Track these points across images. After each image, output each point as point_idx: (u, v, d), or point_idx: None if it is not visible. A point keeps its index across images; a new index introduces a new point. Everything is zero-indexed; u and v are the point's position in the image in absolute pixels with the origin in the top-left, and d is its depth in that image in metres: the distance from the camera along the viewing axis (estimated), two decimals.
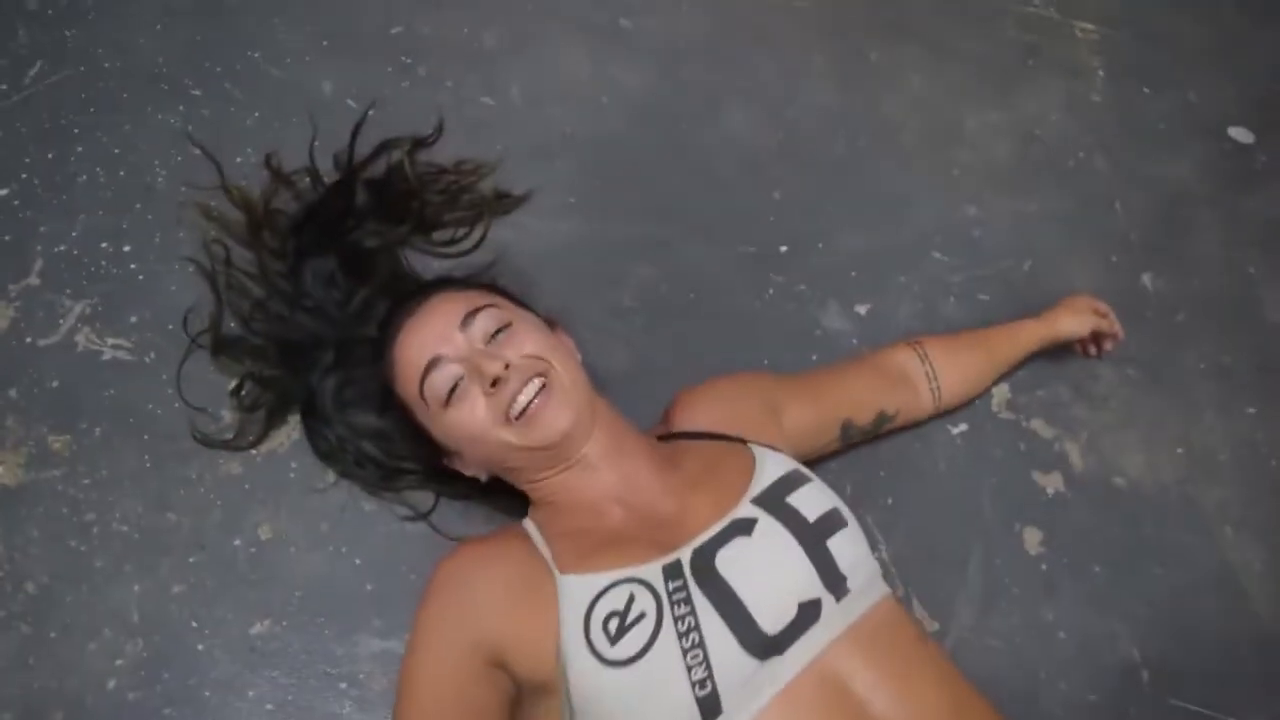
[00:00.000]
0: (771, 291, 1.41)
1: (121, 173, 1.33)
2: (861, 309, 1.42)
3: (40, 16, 1.43)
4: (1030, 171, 1.62)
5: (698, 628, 0.86)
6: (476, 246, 1.33)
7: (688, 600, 0.87)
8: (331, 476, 1.18)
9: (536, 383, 0.97)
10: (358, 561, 1.15)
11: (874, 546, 1.24)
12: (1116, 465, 1.37)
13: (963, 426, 1.35)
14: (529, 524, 1.02)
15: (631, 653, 0.85)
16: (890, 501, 1.28)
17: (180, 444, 1.18)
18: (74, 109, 1.36)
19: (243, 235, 1.27)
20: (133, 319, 1.24)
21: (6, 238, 1.27)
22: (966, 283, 1.48)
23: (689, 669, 0.84)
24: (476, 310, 1.01)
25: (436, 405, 0.99)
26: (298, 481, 1.18)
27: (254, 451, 1.18)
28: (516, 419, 0.96)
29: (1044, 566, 1.28)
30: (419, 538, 1.16)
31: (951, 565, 1.27)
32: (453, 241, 1.33)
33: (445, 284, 1.12)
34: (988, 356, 1.32)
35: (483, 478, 1.08)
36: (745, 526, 0.93)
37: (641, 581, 0.89)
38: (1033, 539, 1.30)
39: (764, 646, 0.86)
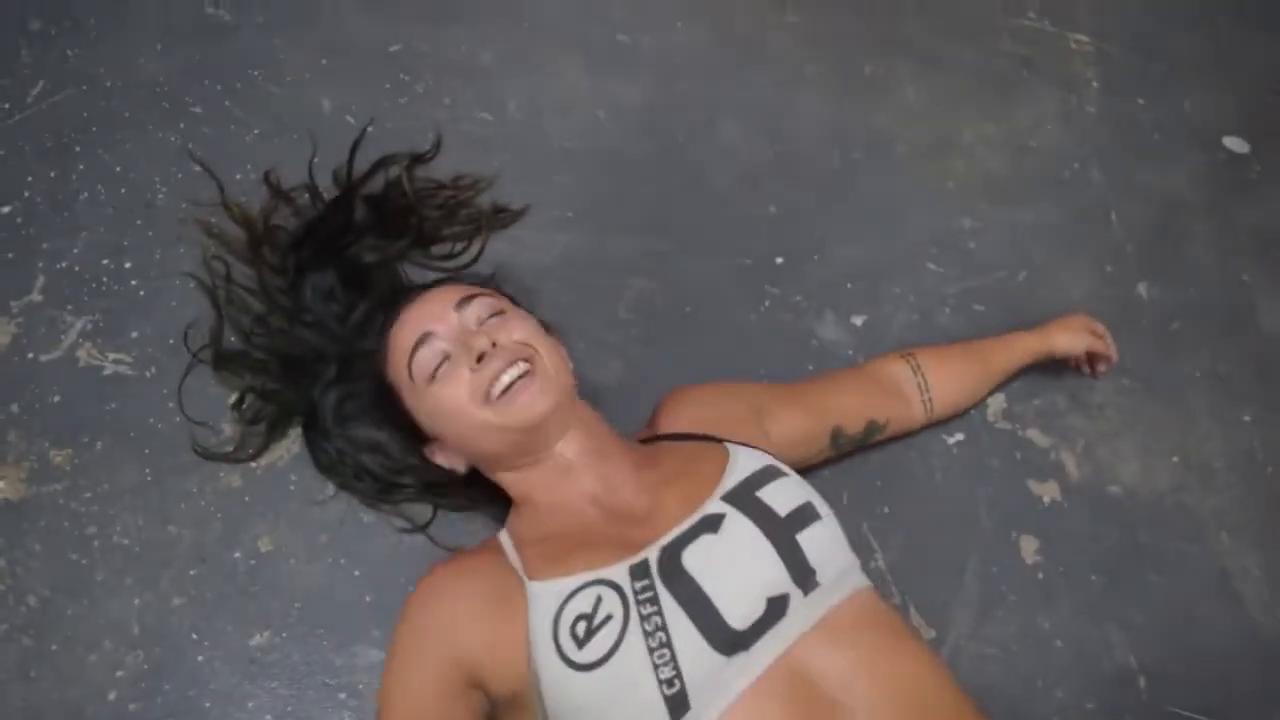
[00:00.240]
0: (767, 303, 1.43)
1: (123, 190, 1.36)
2: (857, 320, 1.44)
3: (43, 36, 1.46)
4: (1025, 182, 1.64)
5: (664, 627, 0.87)
6: (474, 260, 1.35)
7: (654, 600, 0.89)
8: (331, 489, 1.20)
9: (521, 366, 1.00)
10: (357, 573, 1.17)
11: (870, 556, 1.26)
12: (1112, 474, 1.39)
13: (959, 436, 1.37)
14: (503, 535, 1.04)
15: (599, 655, 0.87)
16: (887, 511, 1.30)
17: (180, 458, 1.20)
18: (76, 127, 1.39)
19: (243, 251, 1.29)
20: (134, 334, 1.26)
21: (9, 255, 1.29)
22: (962, 294, 1.50)
23: (656, 668, 0.85)
24: (472, 296, 1.06)
25: (422, 380, 1.03)
26: (297, 494, 1.20)
27: (254, 465, 1.20)
28: (497, 399, 0.99)
29: (1040, 575, 1.30)
30: (417, 550, 1.18)
31: (948, 574, 1.28)
32: (451, 256, 1.35)
33: (446, 279, 1.16)
34: (981, 368, 1.34)
35: (460, 468, 1.10)
36: (713, 523, 0.94)
37: (608, 583, 0.91)
38: (1029, 548, 1.31)
39: (731, 643, 0.87)
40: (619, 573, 0.91)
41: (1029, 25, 1.84)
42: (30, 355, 1.23)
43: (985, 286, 1.52)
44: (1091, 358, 1.42)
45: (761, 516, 0.95)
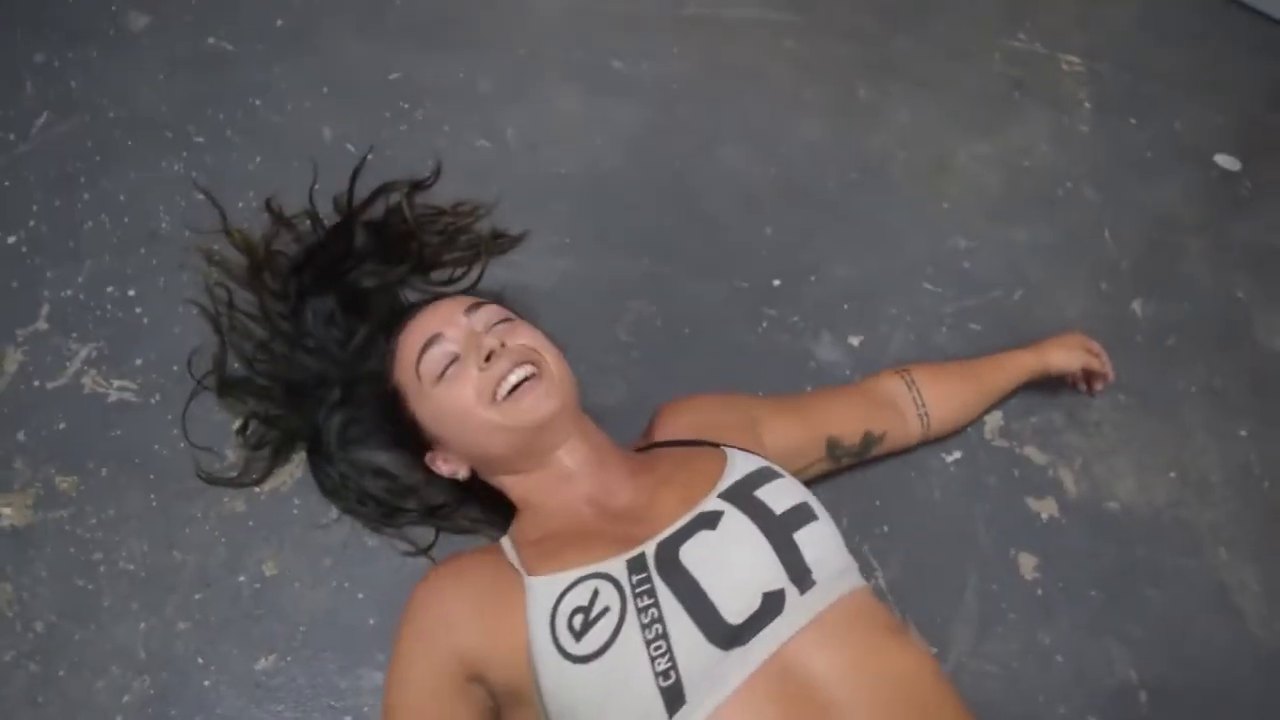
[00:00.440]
0: (765, 325, 1.46)
1: (126, 218, 1.39)
2: (855, 340, 1.47)
3: (46, 68, 1.50)
4: (1020, 202, 1.68)
5: (661, 619, 0.89)
6: (474, 286, 1.37)
7: (651, 593, 0.91)
8: (334, 513, 1.22)
9: (528, 368, 1.03)
10: (361, 596, 1.19)
11: (871, 574, 1.28)
12: (1110, 490, 1.41)
13: (956, 454, 1.39)
14: (504, 540, 1.06)
15: (596, 647, 0.88)
16: (886, 529, 1.32)
17: (185, 483, 1.22)
18: (80, 157, 1.42)
19: (244, 277, 1.32)
20: (138, 361, 1.29)
21: (14, 284, 1.32)
22: (958, 313, 1.53)
23: (652, 660, 0.87)
24: (481, 304, 1.10)
25: (430, 380, 1.05)
26: (301, 518, 1.22)
27: (258, 490, 1.23)
28: (503, 400, 1.02)
29: (1040, 591, 1.32)
30: (420, 573, 1.18)
31: (948, 591, 1.30)
32: (451, 281, 1.38)
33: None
34: (977, 385, 1.37)
35: (462, 474, 1.11)
36: (711, 520, 0.96)
37: (606, 576, 0.93)
38: (1028, 564, 1.33)
39: (727, 637, 0.89)
40: (616, 566, 0.93)
41: (1020, 47, 1.88)
42: (36, 383, 1.26)
43: (981, 306, 1.55)
44: (1088, 375, 1.45)
45: (759, 514, 0.97)
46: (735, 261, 1.51)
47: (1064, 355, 1.40)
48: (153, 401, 1.27)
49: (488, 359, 1.03)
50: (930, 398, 1.30)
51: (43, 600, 1.14)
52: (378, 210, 1.38)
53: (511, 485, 1.10)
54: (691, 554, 0.94)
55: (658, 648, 0.88)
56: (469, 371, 1.03)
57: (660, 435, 1.17)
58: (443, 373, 1.05)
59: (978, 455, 1.40)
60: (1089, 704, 1.25)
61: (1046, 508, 1.38)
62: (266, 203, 1.37)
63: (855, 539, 1.29)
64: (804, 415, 1.23)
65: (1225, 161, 1.79)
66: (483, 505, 1.20)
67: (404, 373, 1.09)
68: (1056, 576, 1.33)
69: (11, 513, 1.18)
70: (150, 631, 1.14)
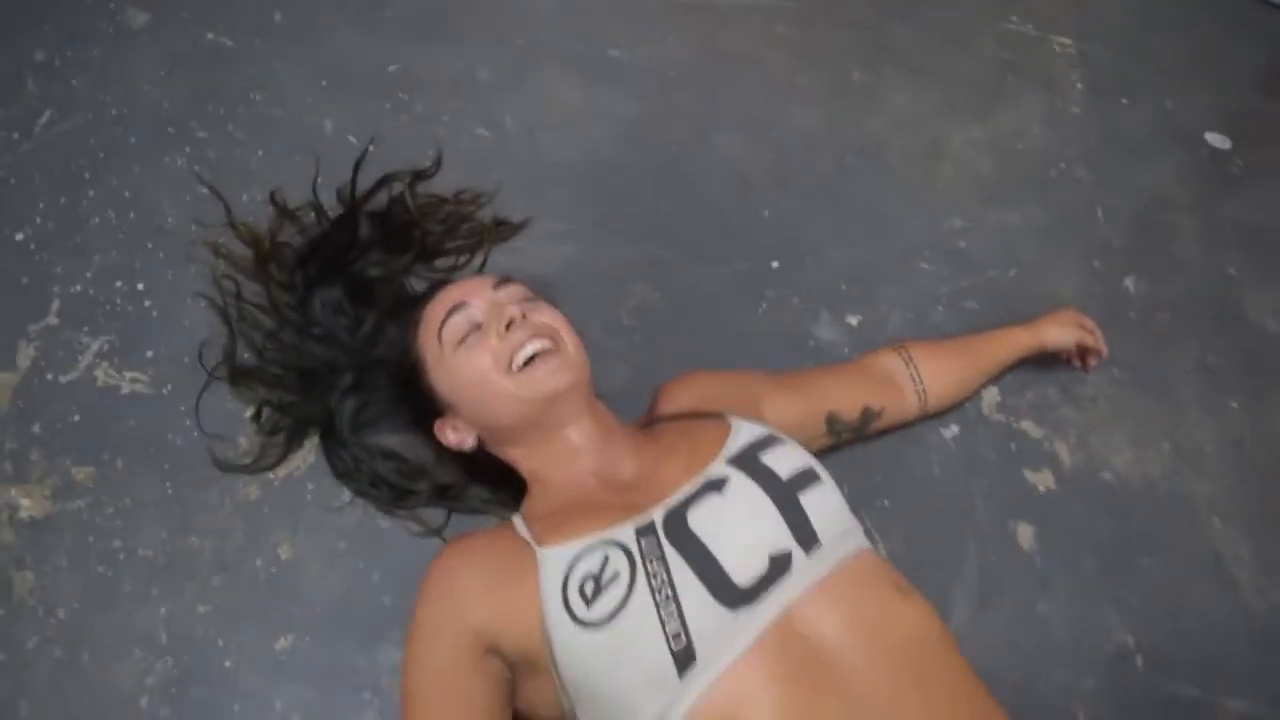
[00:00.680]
0: (765, 306, 1.52)
1: (132, 214, 1.43)
2: (853, 320, 1.52)
3: (47, 67, 1.54)
4: (1013, 183, 1.73)
5: (670, 583, 0.94)
6: (477, 273, 1.42)
7: (661, 557, 0.95)
8: (347, 496, 1.27)
9: (545, 342, 1.09)
10: (375, 577, 1.24)
11: (872, 548, 1.33)
12: (1105, 462, 1.47)
13: (954, 429, 1.45)
14: (515, 516, 1.12)
15: (608, 611, 0.93)
16: (886, 503, 1.38)
17: (199, 471, 1.27)
18: (84, 155, 1.47)
19: (251, 269, 1.37)
20: (149, 353, 1.34)
21: (24, 280, 1.36)
22: (954, 292, 1.59)
23: (663, 622, 0.92)
24: (508, 282, 1.16)
25: (451, 345, 1.11)
26: (314, 503, 1.27)
27: (271, 475, 1.28)
28: (519, 370, 1.08)
29: (1038, 561, 1.37)
30: (432, 553, 1.22)
31: (948, 563, 1.36)
32: (454, 268, 1.43)
33: None
34: (973, 361, 1.42)
35: (469, 443, 1.16)
36: (718, 485, 1.02)
37: (615, 543, 0.98)
38: (1026, 535, 1.39)
39: (736, 597, 0.94)
40: (625, 533, 0.98)
41: (1013, 30, 1.94)
42: (49, 377, 1.31)
43: (977, 285, 1.60)
44: (1082, 351, 1.50)
45: (765, 478, 1.02)
46: (734, 245, 1.57)
47: (1059, 331, 1.46)
48: (165, 392, 1.31)
49: (508, 327, 1.09)
50: (927, 373, 1.36)
51: (64, 587, 1.19)
52: (381, 201, 1.43)
53: (519, 458, 1.15)
54: (699, 519, 0.99)
55: (668, 610, 0.92)
56: (488, 340, 1.09)
57: (663, 411, 1.22)
58: (464, 338, 1.11)
59: (975, 430, 1.46)
60: (1087, 668, 1.31)
61: (1043, 480, 1.44)
62: (270, 195, 1.41)
63: (856, 513, 1.31)
64: (804, 391, 1.28)
65: (1216, 140, 1.85)
66: (491, 485, 1.25)
67: (427, 338, 1.14)
68: (1054, 547, 1.39)
69: (30, 504, 1.23)
70: (171, 615, 1.19)
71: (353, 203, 1.41)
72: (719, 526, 0.98)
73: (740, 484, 1.02)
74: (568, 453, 1.12)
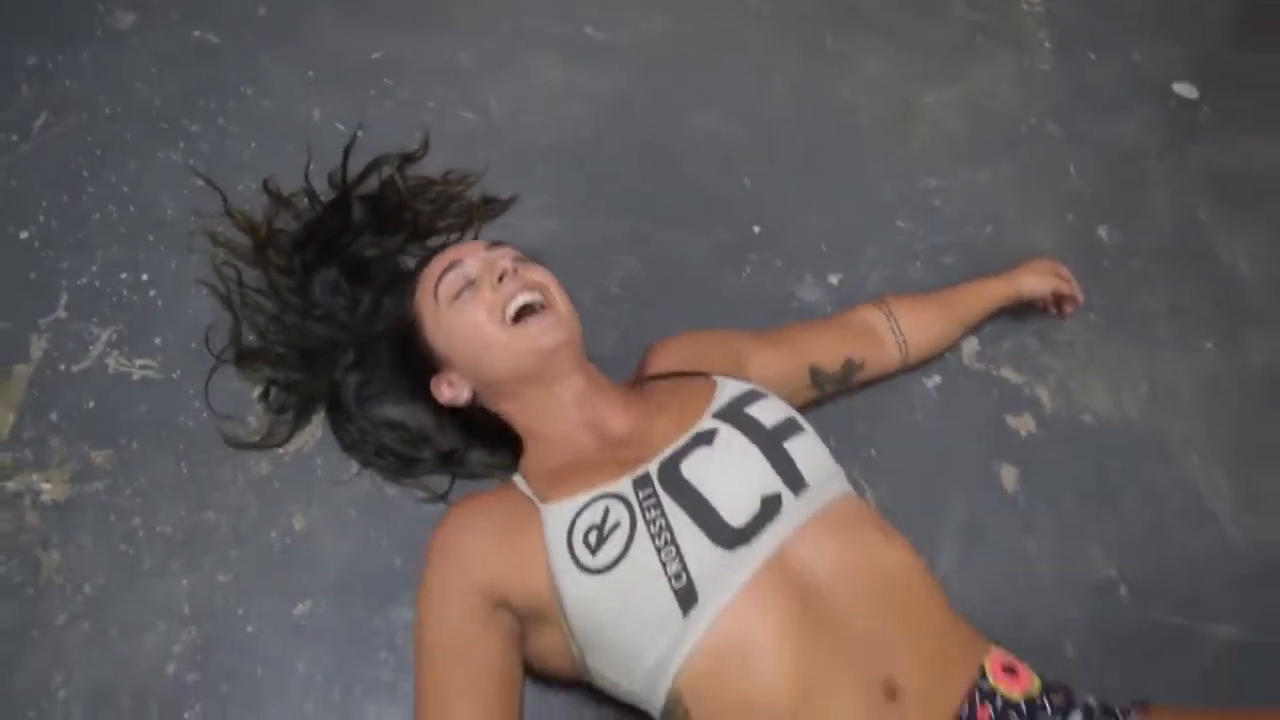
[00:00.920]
0: (748, 270, 1.59)
1: (132, 208, 1.49)
2: (834, 279, 1.59)
3: (40, 71, 1.60)
4: (986, 142, 1.81)
5: (669, 528, 1.01)
6: None
7: (657, 505, 1.03)
8: (355, 468, 1.34)
9: (536, 295, 1.16)
10: (385, 542, 1.31)
11: (860, 496, 1.40)
12: (1085, 404, 1.54)
13: (936, 379, 1.52)
14: (515, 476, 1.19)
15: (611, 558, 1.01)
16: (873, 453, 1.45)
17: (212, 451, 1.33)
18: (82, 153, 1.53)
19: (249, 256, 1.43)
20: (157, 340, 1.40)
21: (31, 275, 1.42)
22: (932, 249, 1.66)
23: (664, 564, 0.99)
24: (502, 244, 1.23)
25: (446, 300, 1.18)
26: (324, 476, 1.34)
27: (281, 451, 1.34)
28: (512, 323, 1.15)
29: (1022, 503, 1.45)
30: (438, 517, 1.30)
31: (935, 508, 1.43)
32: (445, 246, 1.49)
33: None
34: (951, 312, 1.49)
35: (463, 397, 1.23)
36: (707, 437, 1.10)
37: (615, 495, 1.05)
38: (1010, 478, 1.46)
39: (731, 538, 1.01)
40: (623, 486, 1.06)
41: None
42: (62, 367, 1.37)
43: (954, 242, 1.67)
44: (1058, 299, 1.58)
45: (751, 429, 1.10)
46: (716, 214, 1.64)
47: (1035, 280, 1.53)
48: (174, 377, 1.38)
49: (500, 279, 1.16)
50: (907, 325, 1.43)
51: (89, 565, 1.25)
52: (372, 184, 1.49)
53: (514, 413, 1.22)
54: (692, 468, 1.06)
55: (668, 553, 1.00)
56: (482, 293, 1.16)
57: (652, 370, 1.29)
58: (459, 293, 1.18)
59: (957, 379, 1.53)
60: (1073, 602, 1.39)
61: (1024, 424, 1.51)
62: (264, 184, 1.47)
63: (844, 464, 1.38)
64: (787, 346, 1.35)
65: (1184, 90, 1.92)
66: (491, 449, 1.32)
67: (424, 296, 1.21)
68: (1037, 488, 1.46)
69: (51, 488, 1.30)
70: (192, 587, 1.25)
71: (344, 187, 1.46)
72: (711, 474, 1.06)
73: (728, 435, 1.09)
74: (561, 408, 1.19)
